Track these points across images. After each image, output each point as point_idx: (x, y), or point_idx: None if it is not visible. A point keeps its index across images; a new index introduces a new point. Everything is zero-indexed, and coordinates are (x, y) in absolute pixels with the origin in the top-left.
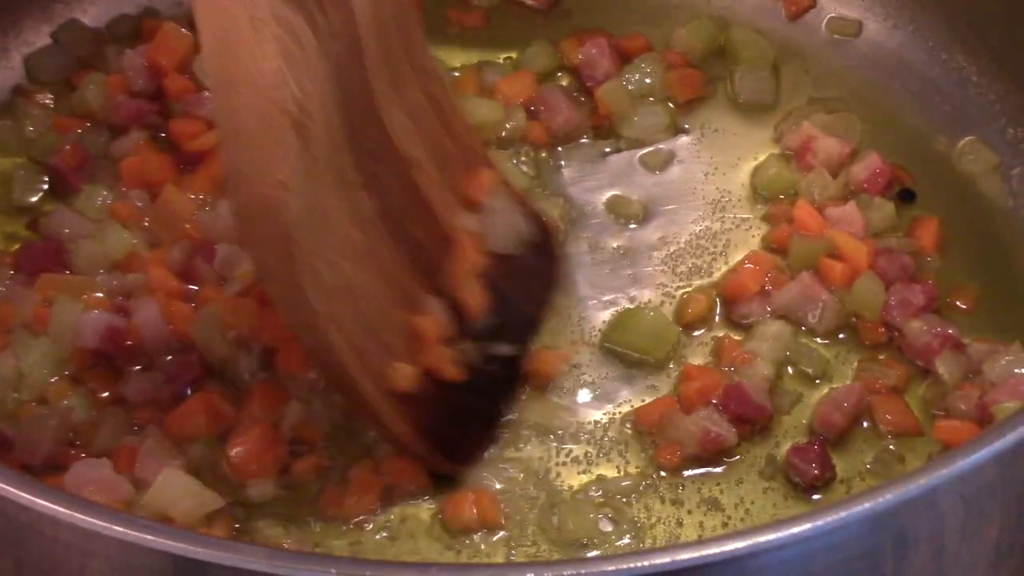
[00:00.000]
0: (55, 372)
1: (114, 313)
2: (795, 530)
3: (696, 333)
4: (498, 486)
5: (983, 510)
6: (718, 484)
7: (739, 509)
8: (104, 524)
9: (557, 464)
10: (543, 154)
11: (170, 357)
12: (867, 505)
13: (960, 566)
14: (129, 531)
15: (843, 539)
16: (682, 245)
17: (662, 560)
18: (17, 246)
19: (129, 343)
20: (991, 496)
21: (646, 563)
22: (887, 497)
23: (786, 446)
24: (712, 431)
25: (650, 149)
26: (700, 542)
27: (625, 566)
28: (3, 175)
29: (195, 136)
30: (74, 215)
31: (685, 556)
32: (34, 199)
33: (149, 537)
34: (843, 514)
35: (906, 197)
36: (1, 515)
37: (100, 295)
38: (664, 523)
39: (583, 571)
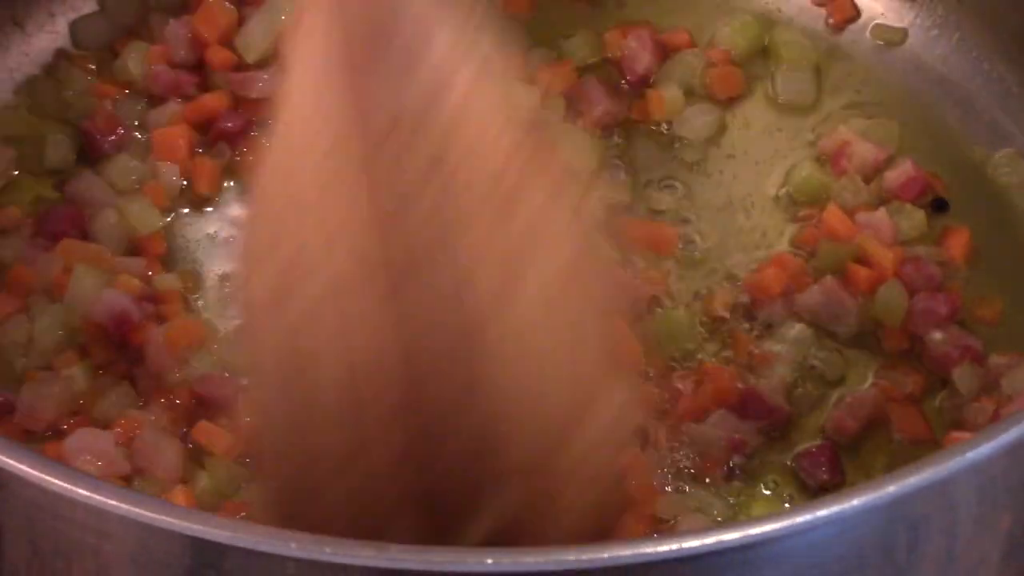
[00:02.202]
0: (66, 340)
1: (136, 300)
2: (807, 517)
3: (717, 332)
4: None
5: (996, 500)
6: (734, 485)
7: (753, 511)
8: (121, 505)
9: None
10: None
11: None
12: (880, 493)
13: (973, 555)
14: (146, 512)
15: (855, 527)
16: (709, 244)
17: (668, 547)
18: None
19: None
20: (1005, 486)
21: (650, 550)
22: (900, 485)
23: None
24: (733, 437)
25: (689, 145)
26: (708, 529)
27: (629, 552)
28: (37, 137)
29: (217, 115)
30: (100, 182)
31: (692, 543)
32: (65, 164)
33: (165, 518)
34: (855, 502)
35: (939, 206)
36: (16, 496)
37: (129, 278)
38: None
39: (584, 557)
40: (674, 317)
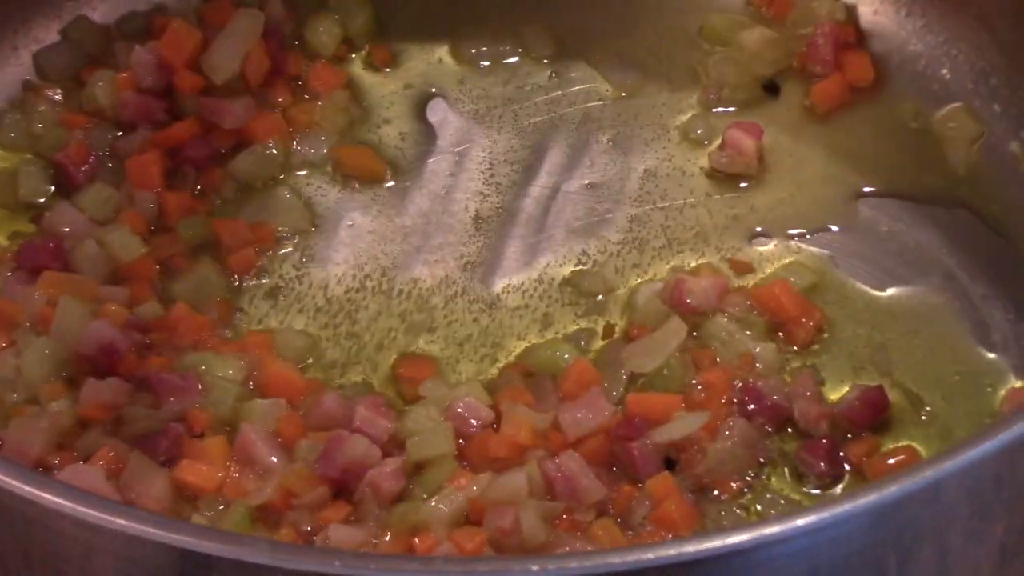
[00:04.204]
0: (53, 372)
1: (122, 329)
2: (800, 523)
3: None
4: None
5: (988, 506)
6: (748, 480)
7: (772, 506)
8: (108, 518)
9: None
10: None
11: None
12: (872, 498)
13: (965, 565)
14: (133, 524)
15: (848, 532)
16: None
17: (668, 552)
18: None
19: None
20: (996, 491)
21: (651, 556)
22: (891, 490)
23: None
24: (750, 451)
25: None
26: (705, 535)
27: (632, 558)
28: (10, 171)
29: (185, 142)
30: (77, 213)
31: (691, 549)
32: (40, 196)
33: (153, 531)
34: (848, 507)
35: (771, 89)
36: (8, 509)
37: (114, 307)
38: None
39: (587, 563)
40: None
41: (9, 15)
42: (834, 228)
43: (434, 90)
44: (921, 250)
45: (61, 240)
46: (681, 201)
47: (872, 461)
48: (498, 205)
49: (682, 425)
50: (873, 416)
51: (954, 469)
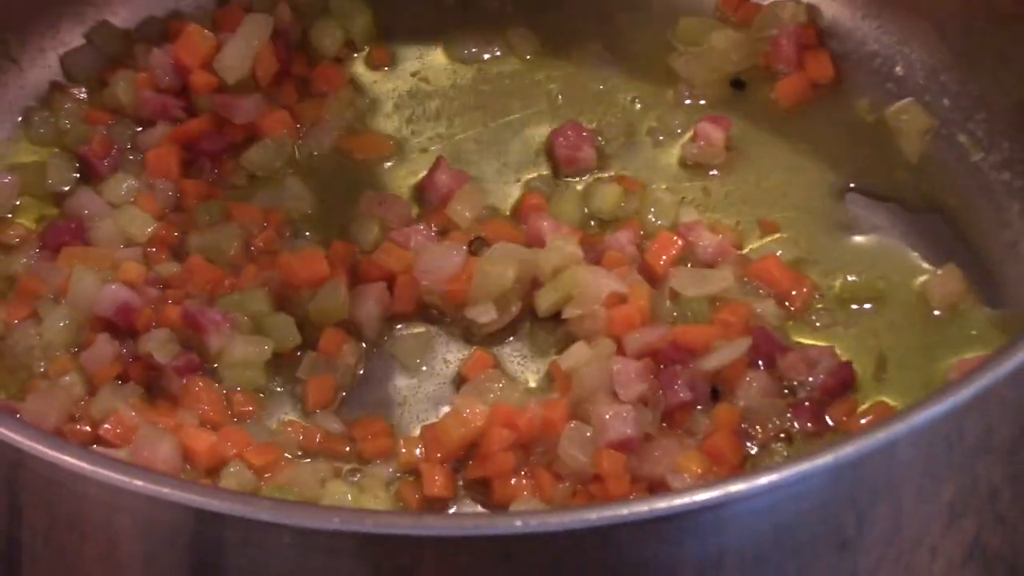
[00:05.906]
0: (73, 338)
1: (137, 287)
2: (763, 481)
3: None
4: None
5: (939, 468)
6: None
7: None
8: (127, 479)
9: None
10: None
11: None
12: (829, 458)
13: (918, 522)
14: (150, 485)
15: (808, 490)
16: None
17: (641, 509)
18: None
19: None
20: (946, 453)
21: (625, 511)
22: (848, 450)
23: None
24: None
25: None
26: (672, 492)
27: (608, 514)
28: (39, 164)
29: (201, 136)
30: (96, 196)
31: (663, 505)
32: (66, 186)
33: (167, 491)
34: (807, 466)
35: (737, 85)
36: (34, 473)
37: (129, 265)
38: None
39: (567, 519)
40: None
41: (38, 21)
42: (797, 213)
43: (429, 87)
44: (879, 233)
45: (81, 220)
46: (655, 187)
47: (851, 420)
48: (487, 190)
49: (726, 353)
50: (842, 390)
51: (907, 430)
